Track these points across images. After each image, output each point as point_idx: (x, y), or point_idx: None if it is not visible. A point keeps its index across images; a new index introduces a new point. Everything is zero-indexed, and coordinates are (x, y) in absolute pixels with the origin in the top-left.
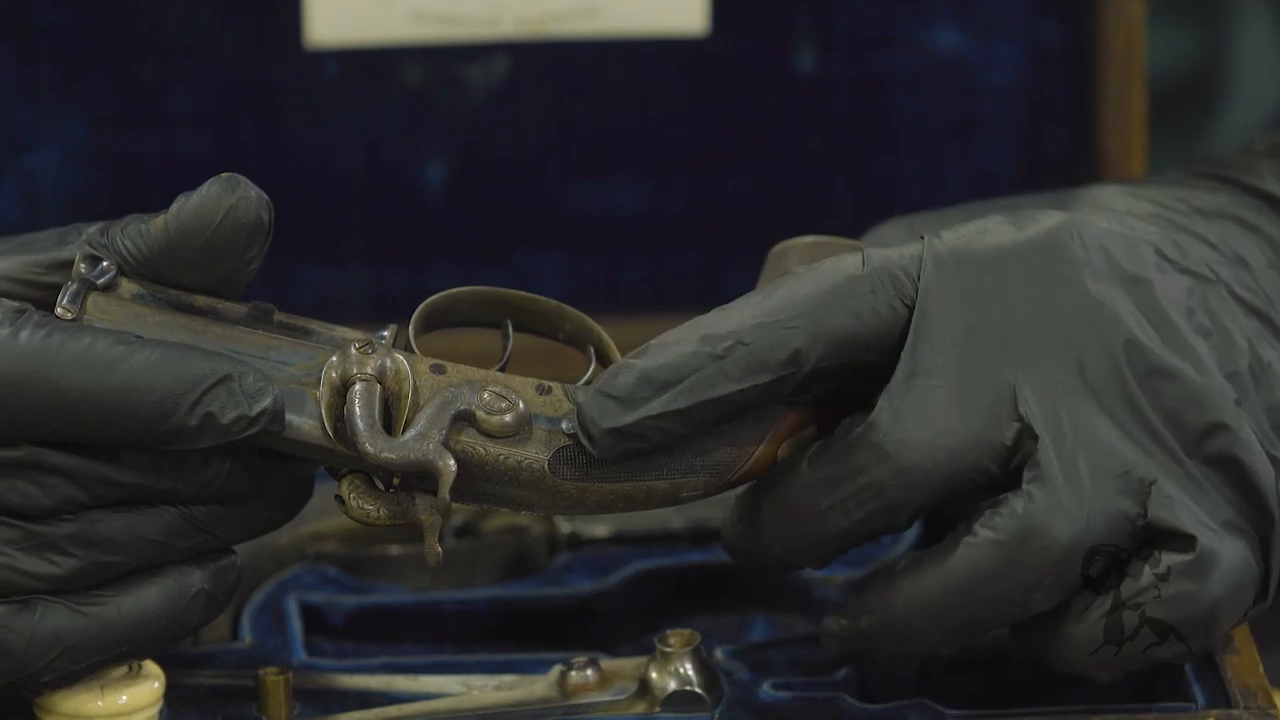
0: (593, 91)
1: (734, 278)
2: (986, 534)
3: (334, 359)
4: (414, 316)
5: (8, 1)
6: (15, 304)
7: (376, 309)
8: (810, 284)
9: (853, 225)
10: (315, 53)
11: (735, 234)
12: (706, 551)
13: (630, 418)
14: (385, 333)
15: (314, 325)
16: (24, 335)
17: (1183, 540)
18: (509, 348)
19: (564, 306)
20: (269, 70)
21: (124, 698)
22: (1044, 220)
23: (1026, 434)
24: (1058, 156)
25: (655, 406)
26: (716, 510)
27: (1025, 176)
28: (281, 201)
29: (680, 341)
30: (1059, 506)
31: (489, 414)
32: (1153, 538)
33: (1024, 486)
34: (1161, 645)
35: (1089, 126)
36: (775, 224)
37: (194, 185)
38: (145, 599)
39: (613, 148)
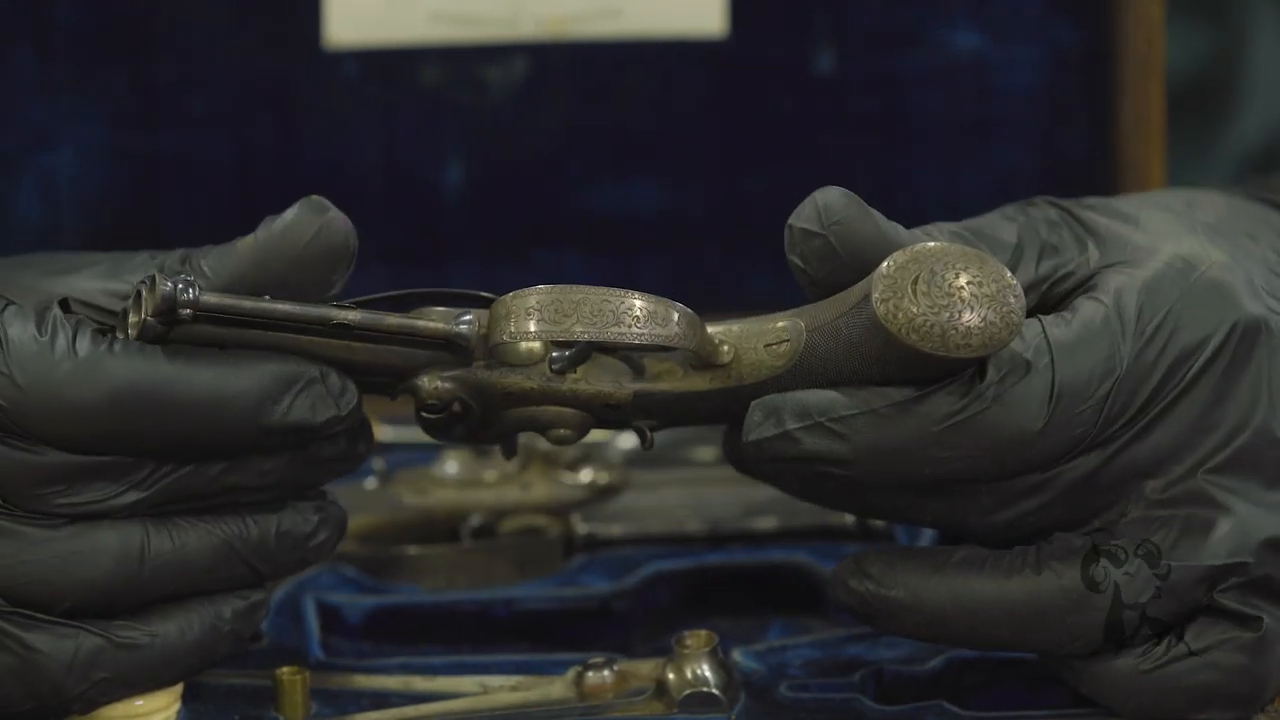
0: (612, 92)
1: (753, 278)
2: (1052, 577)
3: (406, 385)
4: (503, 332)
5: (27, 1)
6: (99, 323)
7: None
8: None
9: None
10: (334, 53)
11: (753, 235)
12: (724, 553)
13: None
14: (468, 318)
15: (395, 328)
16: (119, 347)
17: (1249, 620)
18: (579, 358)
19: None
20: (287, 70)
21: (141, 700)
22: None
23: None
24: (1076, 157)
25: None
26: (735, 512)
27: (1043, 177)
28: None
29: None
30: (1132, 578)
31: (552, 439)
32: (1218, 610)
33: (1107, 545)
34: (1161, 644)
35: (1107, 128)
36: None
37: (212, 185)
38: (179, 634)
39: (631, 149)
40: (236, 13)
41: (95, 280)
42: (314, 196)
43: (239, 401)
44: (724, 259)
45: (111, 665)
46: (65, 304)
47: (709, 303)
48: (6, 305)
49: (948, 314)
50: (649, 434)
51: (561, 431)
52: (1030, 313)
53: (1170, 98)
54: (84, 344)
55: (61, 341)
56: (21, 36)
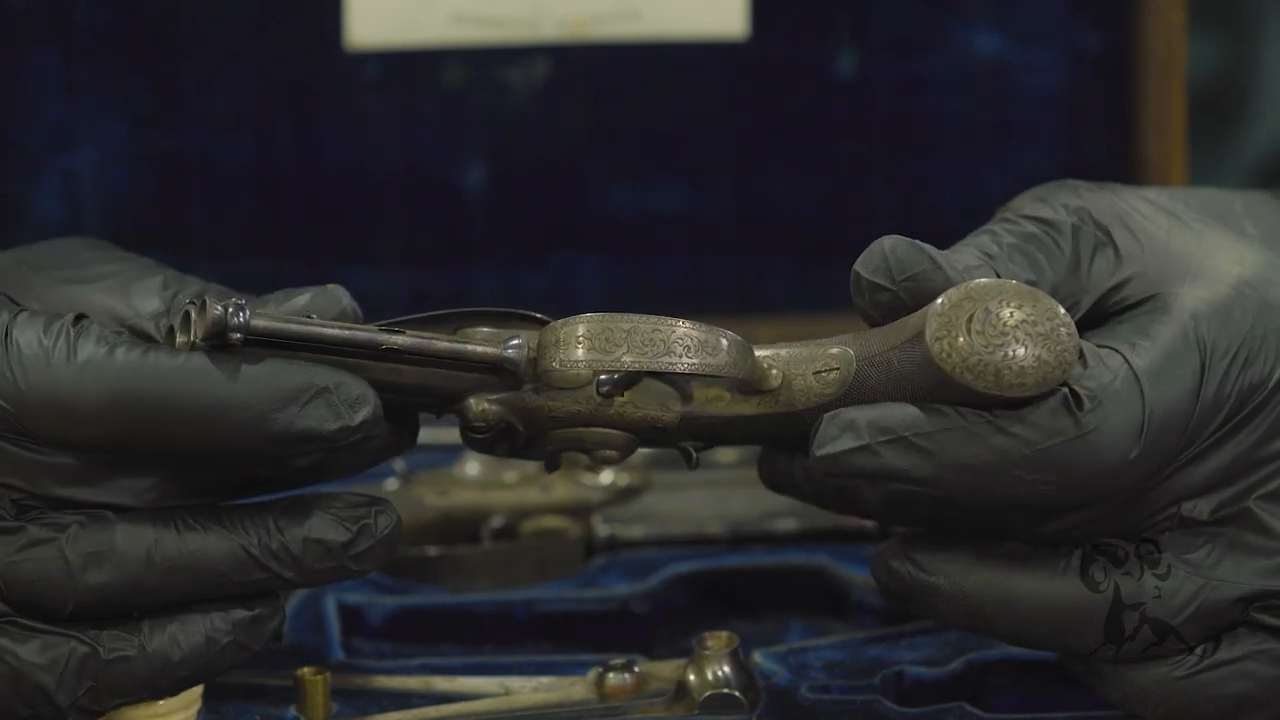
0: (632, 94)
1: (773, 281)
2: (1085, 591)
3: (454, 408)
4: (552, 359)
5: (49, 2)
6: (112, 327)
7: (416, 310)
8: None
9: (890, 229)
10: (356, 54)
11: (773, 237)
12: (744, 554)
13: None
14: (516, 341)
15: (444, 352)
16: (120, 352)
17: None
18: (626, 382)
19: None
20: (309, 71)
21: (161, 700)
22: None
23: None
24: (1097, 161)
25: None
26: (752, 513)
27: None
28: (321, 202)
29: None
30: (1174, 592)
31: (597, 459)
32: (1253, 624)
33: (1148, 560)
34: (1161, 645)
35: (1128, 131)
36: (814, 227)
37: (234, 186)
38: (170, 645)
39: (652, 150)
40: (258, 14)
41: (103, 297)
42: (333, 286)
43: (243, 409)
44: (744, 261)
45: (99, 675)
46: (82, 316)
47: (728, 305)
48: (19, 311)
49: (1002, 353)
50: (695, 455)
51: (607, 452)
52: (1090, 318)
53: (1188, 103)
54: (86, 347)
55: (62, 346)
56: (42, 37)
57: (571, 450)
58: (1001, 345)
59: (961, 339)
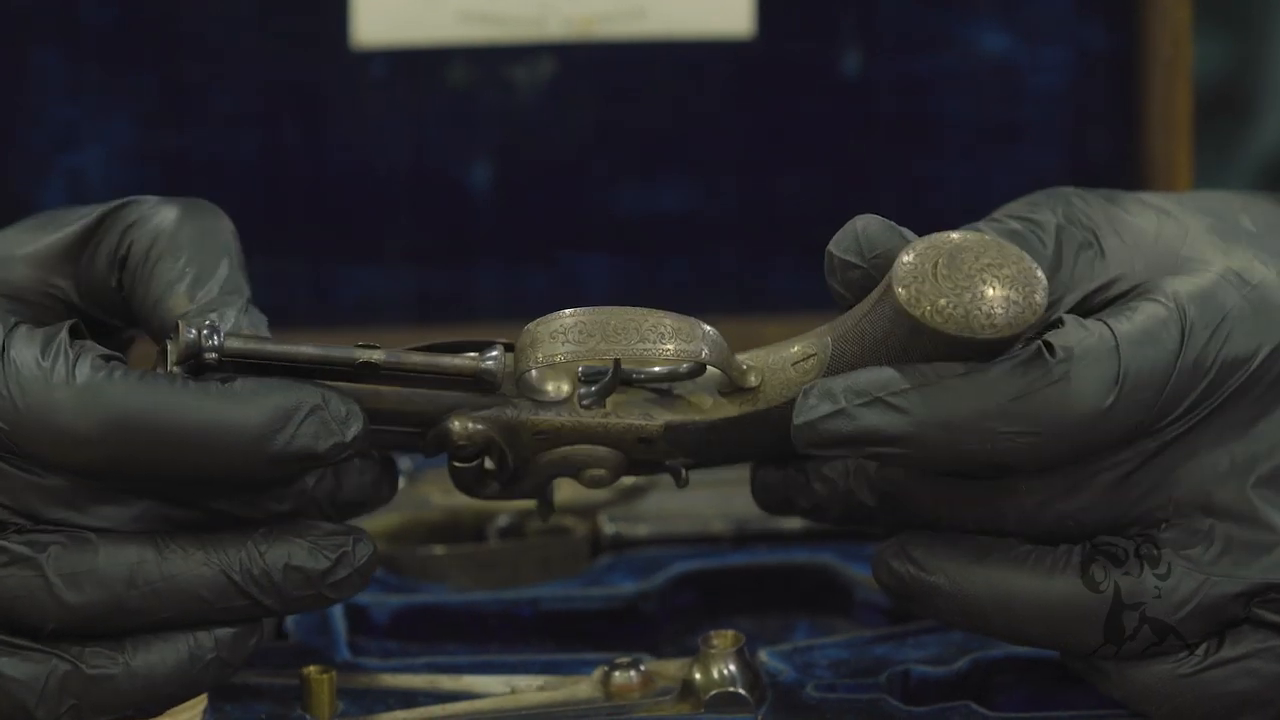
0: (638, 93)
1: (778, 280)
2: (1081, 591)
3: (437, 429)
4: (531, 359)
5: (53, 1)
6: (105, 350)
7: (421, 309)
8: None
9: None
10: (361, 53)
11: (779, 236)
12: (750, 553)
13: None
14: (495, 352)
15: (421, 366)
16: (118, 376)
17: None
18: (607, 390)
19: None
20: (315, 70)
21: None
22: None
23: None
24: (1103, 160)
25: None
26: (757, 511)
27: (1070, 180)
28: (326, 201)
29: None
30: (1173, 590)
31: (586, 480)
32: (1255, 620)
33: (1148, 558)
34: (1161, 644)
35: (1134, 130)
36: (819, 226)
37: (240, 185)
38: (157, 662)
39: (658, 149)
40: (264, 12)
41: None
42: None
43: (242, 432)
44: (750, 260)
45: (81, 693)
46: (76, 329)
47: (733, 304)
48: (16, 325)
49: (970, 295)
50: (684, 473)
51: (596, 472)
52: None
53: (1194, 103)
54: (83, 371)
55: (61, 368)
56: (48, 36)
57: (560, 474)
58: (969, 286)
59: (929, 285)
